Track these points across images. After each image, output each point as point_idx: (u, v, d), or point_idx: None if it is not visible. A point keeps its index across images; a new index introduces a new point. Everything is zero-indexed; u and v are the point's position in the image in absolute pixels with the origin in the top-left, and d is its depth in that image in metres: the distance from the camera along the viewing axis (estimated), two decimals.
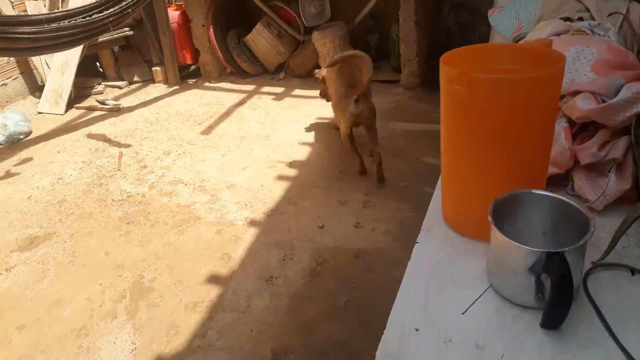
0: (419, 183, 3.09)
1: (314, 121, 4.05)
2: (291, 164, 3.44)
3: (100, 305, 2.33)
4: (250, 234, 2.77)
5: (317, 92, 4.49)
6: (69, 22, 3.58)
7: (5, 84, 4.83)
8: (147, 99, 4.82)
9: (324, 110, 4.18)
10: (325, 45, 4.53)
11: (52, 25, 3.49)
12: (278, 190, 3.16)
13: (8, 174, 3.60)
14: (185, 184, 3.31)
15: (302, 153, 3.58)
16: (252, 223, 2.86)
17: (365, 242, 2.61)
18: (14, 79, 4.91)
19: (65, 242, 2.83)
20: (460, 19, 4.15)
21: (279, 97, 4.58)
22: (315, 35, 4.56)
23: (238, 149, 3.72)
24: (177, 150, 3.77)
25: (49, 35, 3.47)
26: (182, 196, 3.18)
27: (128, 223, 2.95)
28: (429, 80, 4.39)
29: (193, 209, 3.05)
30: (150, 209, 3.07)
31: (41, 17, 3.50)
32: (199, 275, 2.49)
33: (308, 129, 3.92)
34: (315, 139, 3.77)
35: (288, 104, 4.43)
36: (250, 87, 4.85)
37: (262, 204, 3.04)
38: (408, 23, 4.08)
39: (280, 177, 3.30)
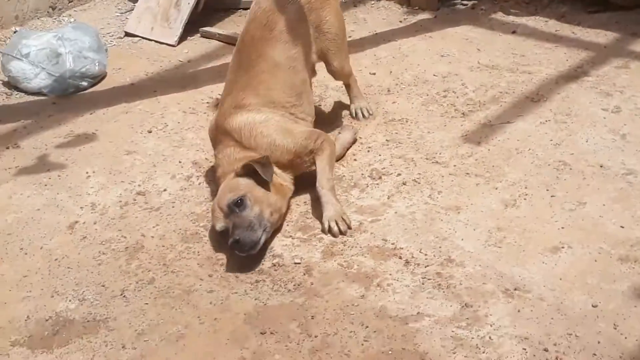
0: None
1: None
2: None
3: None
4: None
5: None
6: None
7: None
8: (363, 34, 3.09)
9: None
10: None
11: None
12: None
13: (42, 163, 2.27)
14: (406, 262, 1.80)
15: None
16: None
17: None
18: None
19: None
20: None
21: None
22: None
23: (547, 194, 2.02)
24: (408, 174, 2.16)
25: None
26: (397, 293, 1.66)
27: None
28: None
29: (413, 329, 1.54)
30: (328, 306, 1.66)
31: None
32: None
33: None
34: None
35: None
36: (603, 39, 2.89)
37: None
38: None
39: None
